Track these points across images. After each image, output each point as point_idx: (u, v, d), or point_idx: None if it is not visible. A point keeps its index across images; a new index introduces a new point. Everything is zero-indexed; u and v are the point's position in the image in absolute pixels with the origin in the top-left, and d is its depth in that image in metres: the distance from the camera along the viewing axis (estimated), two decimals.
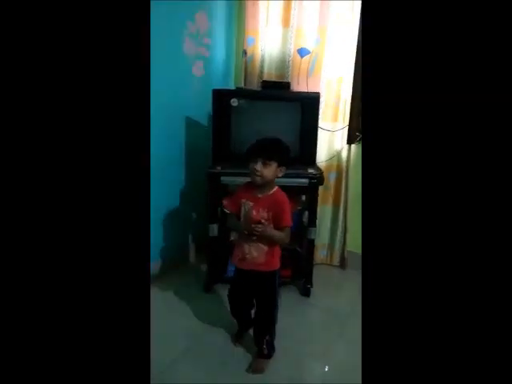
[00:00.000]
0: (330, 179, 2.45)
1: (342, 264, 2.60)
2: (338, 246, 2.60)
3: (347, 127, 2.34)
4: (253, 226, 1.46)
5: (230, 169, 2.01)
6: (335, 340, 1.88)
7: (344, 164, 2.44)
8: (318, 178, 2.04)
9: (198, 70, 2.34)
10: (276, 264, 1.59)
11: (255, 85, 2.43)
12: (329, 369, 1.68)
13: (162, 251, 2.33)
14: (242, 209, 1.56)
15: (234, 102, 1.98)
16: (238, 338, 1.81)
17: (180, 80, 2.23)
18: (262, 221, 1.47)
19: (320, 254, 2.60)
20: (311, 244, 2.18)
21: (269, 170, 1.45)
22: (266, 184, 1.49)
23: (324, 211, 2.50)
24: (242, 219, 1.56)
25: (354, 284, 2.32)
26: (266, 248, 1.54)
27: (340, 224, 2.54)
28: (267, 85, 2.14)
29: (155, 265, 2.27)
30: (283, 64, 2.39)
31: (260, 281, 1.59)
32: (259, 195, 1.53)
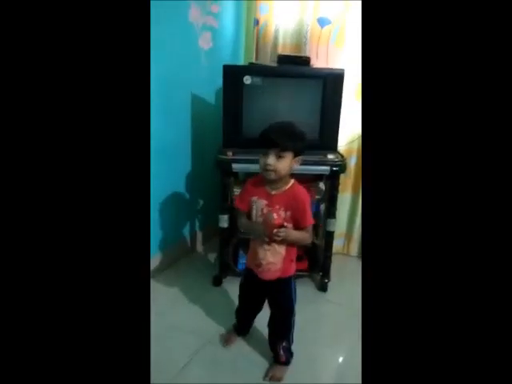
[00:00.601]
0: (350, 164, 2.25)
1: (360, 253, 2.44)
2: (356, 235, 2.42)
3: None
4: (275, 231, 1.27)
5: (242, 155, 1.81)
6: (356, 341, 1.73)
7: None
8: (340, 166, 1.84)
9: (205, 42, 2.09)
10: (293, 269, 1.43)
11: (268, 59, 2.19)
12: (349, 371, 1.53)
13: (165, 241, 2.14)
14: (254, 208, 1.36)
15: (248, 79, 1.75)
16: (229, 339, 1.65)
17: (185, 53, 1.98)
18: (285, 224, 1.28)
19: (337, 244, 2.42)
20: (330, 236, 2.00)
21: (284, 163, 1.24)
22: (281, 179, 1.29)
23: (342, 199, 2.30)
24: (253, 219, 1.37)
25: None
26: (283, 252, 1.36)
27: (359, 212, 2.36)
28: (284, 60, 1.90)
29: (159, 255, 2.11)
30: (300, 35, 2.15)
31: (275, 288, 1.43)
32: (273, 192, 1.32)
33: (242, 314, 1.63)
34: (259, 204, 1.34)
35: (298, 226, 1.33)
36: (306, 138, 1.30)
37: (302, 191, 1.34)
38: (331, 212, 1.95)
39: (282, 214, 1.31)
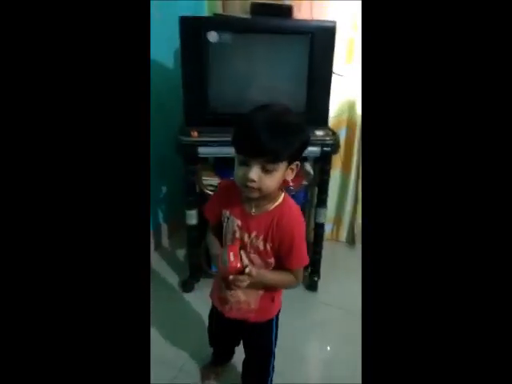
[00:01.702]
0: (340, 138, 1.89)
1: (351, 239, 2.15)
2: (346, 219, 2.12)
3: None
4: (231, 278, 0.86)
5: (210, 135, 1.42)
6: (355, 351, 1.45)
7: (358, 119, 1.87)
8: (332, 145, 1.49)
9: None
10: (275, 309, 1.05)
11: (239, 9, 1.75)
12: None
13: None
14: (225, 225, 0.96)
15: (213, 36, 1.34)
16: (207, 374, 1.32)
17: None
18: (247, 270, 0.86)
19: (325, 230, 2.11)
20: (320, 229, 1.68)
21: (273, 179, 0.82)
22: (267, 194, 0.87)
23: (331, 177, 1.97)
24: (224, 239, 0.98)
25: None
26: (260, 291, 0.99)
27: (350, 193, 2.05)
28: (259, 10, 1.48)
29: None
30: None
31: (250, 333, 1.08)
32: (252, 210, 0.91)
33: (216, 348, 1.30)
34: (231, 223, 0.94)
35: (284, 266, 0.93)
36: (307, 134, 0.86)
37: (293, 216, 0.91)
38: (321, 200, 1.62)
39: (260, 245, 0.92)
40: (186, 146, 1.43)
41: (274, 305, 1.03)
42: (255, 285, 0.93)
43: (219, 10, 1.81)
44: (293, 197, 1.59)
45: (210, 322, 1.21)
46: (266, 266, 0.93)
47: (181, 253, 1.99)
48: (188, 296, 1.69)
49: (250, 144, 0.79)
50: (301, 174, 1.63)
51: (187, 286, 1.70)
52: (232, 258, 0.84)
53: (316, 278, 1.76)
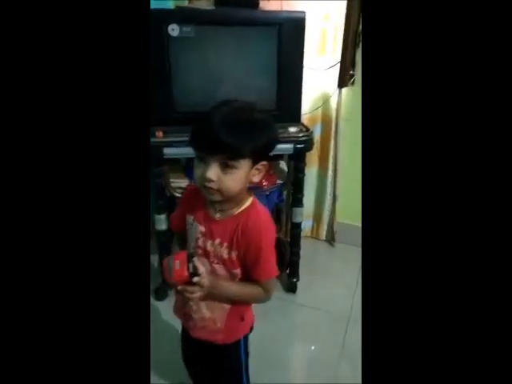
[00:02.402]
0: (315, 134, 1.83)
1: (331, 238, 2.10)
2: (325, 216, 2.07)
3: (339, 64, 1.67)
4: (179, 288, 0.77)
5: (176, 134, 1.34)
6: (336, 360, 1.40)
7: (333, 114, 1.81)
8: (306, 142, 1.43)
9: None
10: (244, 328, 0.95)
11: (205, 2, 1.67)
12: None
13: None
14: (189, 232, 0.88)
15: (174, 29, 1.25)
16: None
17: None
18: (195, 279, 0.75)
19: (304, 226, 2.05)
20: (297, 228, 1.62)
21: (235, 179, 0.75)
22: (231, 197, 0.79)
23: (307, 174, 1.90)
24: (187, 248, 0.89)
25: (348, 266, 1.85)
26: (226, 306, 0.89)
27: (328, 191, 1.99)
28: (223, 1, 1.40)
29: None
30: None
31: (216, 356, 0.96)
32: (217, 215, 0.83)
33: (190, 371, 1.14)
34: (194, 230, 0.86)
35: (251, 276, 0.84)
36: (273, 132, 0.78)
37: (261, 221, 0.82)
38: (297, 199, 1.56)
39: (224, 253, 0.83)
40: (150, 148, 1.34)
41: (242, 324, 0.92)
42: (218, 298, 0.85)
43: (185, 3, 1.72)
44: (267, 196, 1.55)
45: (181, 338, 1.10)
46: (232, 277, 0.85)
47: (153, 259, 1.90)
48: (161, 304, 1.61)
49: (206, 139, 0.72)
50: (274, 172, 1.57)
51: (159, 293, 1.62)
52: (178, 266, 0.74)
53: (295, 280, 1.70)
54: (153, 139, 1.35)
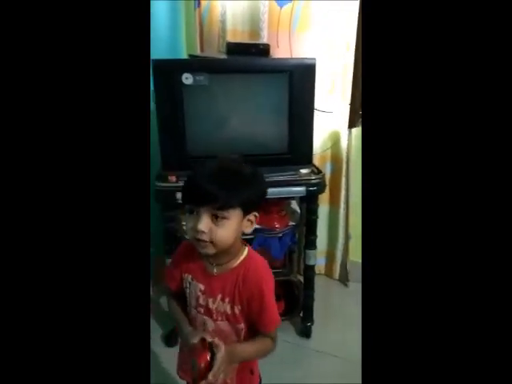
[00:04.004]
0: (326, 172, 1.84)
1: (344, 277, 2.05)
2: (338, 255, 2.03)
3: (349, 106, 1.70)
4: (196, 374, 0.73)
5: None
6: None
7: (343, 153, 1.82)
8: (318, 184, 1.43)
9: None
10: (254, 381, 0.93)
11: (216, 49, 1.72)
12: None
13: None
14: (187, 291, 0.87)
15: (188, 78, 1.29)
16: None
17: None
18: (208, 358, 0.74)
19: (317, 264, 2.01)
20: (310, 271, 1.59)
21: (227, 229, 0.75)
22: (225, 250, 0.79)
23: (320, 212, 1.90)
24: (188, 308, 0.89)
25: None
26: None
27: (340, 229, 1.97)
28: (235, 49, 1.45)
29: None
30: (254, 18, 1.69)
31: None
32: (215, 270, 0.83)
33: None
34: (194, 289, 0.85)
35: (255, 328, 0.84)
36: (261, 183, 0.81)
37: (260, 271, 0.83)
38: (310, 241, 1.54)
39: (227, 308, 0.82)
40: (163, 192, 1.35)
41: (253, 377, 0.90)
42: (237, 363, 0.82)
43: (197, 51, 1.78)
44: (280, 239, 1.54)
45: None
46: (237, 333, 0.84)
47: (165, 301, 1.87)
48: (171, 351, 1.57)
49: (194, 191, 0.75)
50: (286, 213, 1.56)
51: (170, 339, 1.58)
52: (203, 365, 0.73)
53: (309, 324, 1.65)
54: (166, 184, 1.36)
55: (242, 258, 0.83)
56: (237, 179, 0.76)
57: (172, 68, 1.28)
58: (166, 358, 1.54)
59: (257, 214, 0.80)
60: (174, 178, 1.37)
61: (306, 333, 1.65)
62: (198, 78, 1.29)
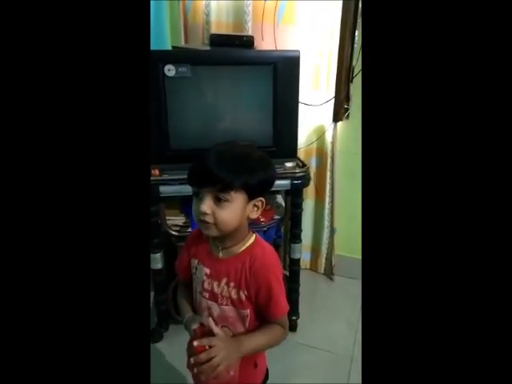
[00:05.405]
0: (311, 166, 1.84)
1: (329, 271, 2.06)
2: (323, 249, 2.04)
3: (333, 99, 1.69)
4: (192, 359, 0.73)
5: (172, 172, 1.33)
6: None
7: (328, 147, 1.82)
8: (303, 178, 1.42)
9: None
10: (259, 375, 0.92)
11: (200, 42, 1.70)
12: None
13: None
14: (194, 277, 0.88)
15: (170, 70, 1.27)
16: None
17: None
18: (207, 347, 0.73)
19: (302, 258, 2.01)
20: (295, 265, 1.59)
21: (229, 211, 0.75)
22: (231, 234, 0.80)
23: (305, 206, 1.90)
24: (194, 294, 0.89)
25: (348, 301, 1.80)
26: None
27: (326, 223, 1.97)
28: (218, 41, 1.43)
29: None
30: (239, 11, 1.68)
31: None
32: (220, 254, 0.83)
33: None
34: (199, 273, 0.85)
35: (263, 315, 0.83)
36: (269, 169, 0.80)
37: (267, 258, 0.82)
38: (295, 235, 1.53)
39: (232, 293, 0.82)
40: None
41: (256, 371, 0.89)
42: (248, 355, 0.81)
43: (181, 42, 1.75)
44: (264, 233, 1.53)
45: None
46: (242, 319, 0.83)
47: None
48: (156, 346, 1.55)
49: (197, 173, 0.77)
50: (272, 207, 1.55)
51: (155, 335, 1.57)
52: (196, 343, 0.73)
53: (295, 318, 1.65)
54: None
55: (248, 244, 0.83)
56: (242, 162, 0.76)
57: (154, 59, 1.25)
58: (152, 352, 1.52)
59: (263, 199, 0.80)
60: (156, 172, 1.36)
61: (291, 326, 1.65)
62: (180, 69, 1.27)
